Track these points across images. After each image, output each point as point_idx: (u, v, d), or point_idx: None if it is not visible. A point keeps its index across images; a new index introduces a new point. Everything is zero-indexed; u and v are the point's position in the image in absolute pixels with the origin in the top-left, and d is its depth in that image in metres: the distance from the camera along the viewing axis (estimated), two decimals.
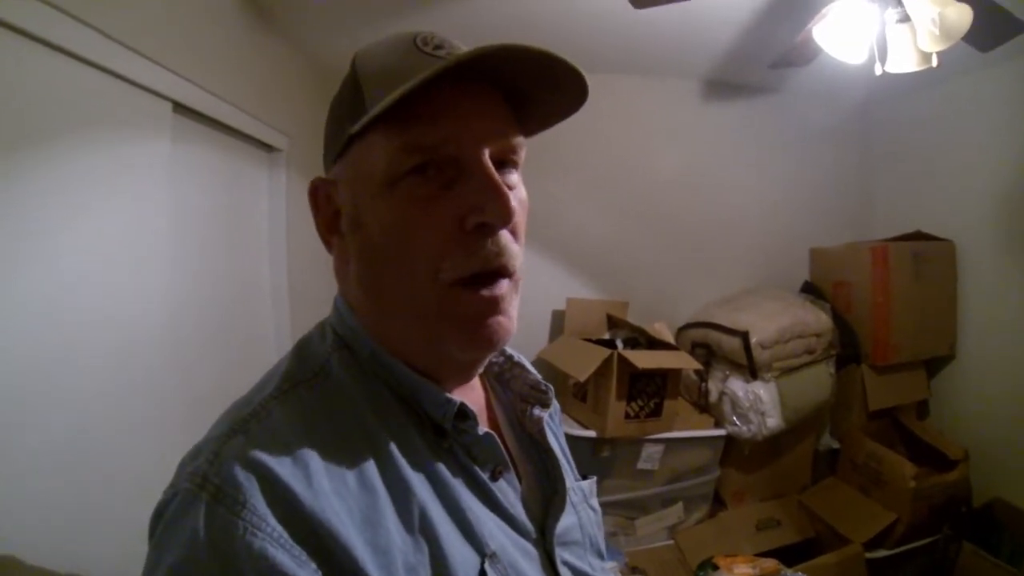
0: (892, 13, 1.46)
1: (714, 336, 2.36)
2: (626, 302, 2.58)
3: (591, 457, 2.10)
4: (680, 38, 2.25)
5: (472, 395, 0.67)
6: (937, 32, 1.34)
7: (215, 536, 0.43)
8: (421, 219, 0.53)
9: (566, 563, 0.65)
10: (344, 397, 0.55)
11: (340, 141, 0.57)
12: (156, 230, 1.32)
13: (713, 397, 2.30)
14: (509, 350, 0.75)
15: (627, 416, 2.07)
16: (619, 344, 2.21)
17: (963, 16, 1.32)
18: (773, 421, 2.21)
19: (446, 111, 0.52)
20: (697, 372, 2.34)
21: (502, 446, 0.61)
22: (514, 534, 0.60)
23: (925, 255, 2.48)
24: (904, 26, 1.47)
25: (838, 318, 2.50)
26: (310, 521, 0.45)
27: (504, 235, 0.55)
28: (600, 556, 0.75)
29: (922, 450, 2.44)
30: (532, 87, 0.56)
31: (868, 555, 2.16)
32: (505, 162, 0.57)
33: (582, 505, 0.73)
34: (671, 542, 2.26)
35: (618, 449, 2.12)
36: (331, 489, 0.48)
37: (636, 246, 2.76)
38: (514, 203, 0.54)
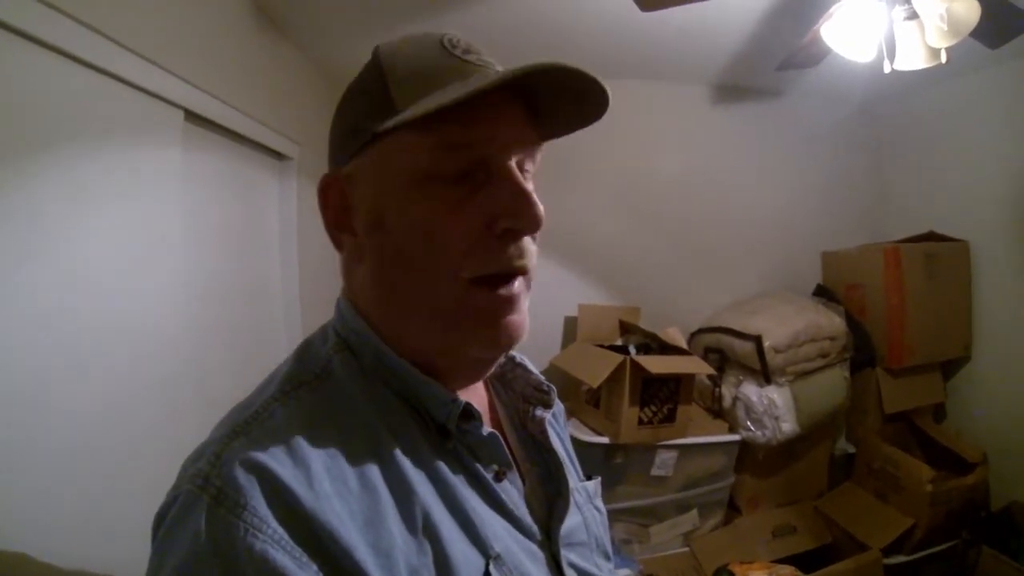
0: (899, 10, 1.46)
1: (727, 341, 2.34)
2: (638, 308, 2.58)
3: (604, 463, 2.09)
4: (687, 42, 2.26)
5: (475, 396, 0.67)
6: (945, 27, 1.34)
7: (217, 538, 0.44)
8: (450, 219, 0.54)
9: (572, 565, 0.65)
10: (346, 398, 0.55)
11: (361, 137, 0.57)
12: (168, 236, 1.33)
13: (727, 402, 2.29)
14: (512, 351, 0.75)
15: (640, 422, 2.06)
16: (632, 350, 2.21)
17: (971, 11, 1.32)
18: (788, 426, 2.19)
19: (480, 117, 0.53)
20: (710, 377, 2.33)
21: (506, 447, 0.61)
22: (519, 535, 0.60)
23: (939, 256, 2.46)
24: (912, 23, 1.46)
25: (852, 321, 2.48)
26: (311, 523, 0.46)
27: (526, 239, 0.57)
28: (607, 557, 0.75)
29: (939, 454, 2.42)
30: (555, 99, 0.57)
31: (886, 561, 2.14)
32: (524, 169, 0.58)
33: (587, 506, 0.73)
34: (686, 549, 2.23)
35: (632, 455, 2.12)
36: (332, 491, 0.48)
37: (648, 251, 2.76)
38: (543, 210, 0.56)
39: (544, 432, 0.71)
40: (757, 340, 2.18)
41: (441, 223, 0.54)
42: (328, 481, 0.48)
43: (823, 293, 2.69)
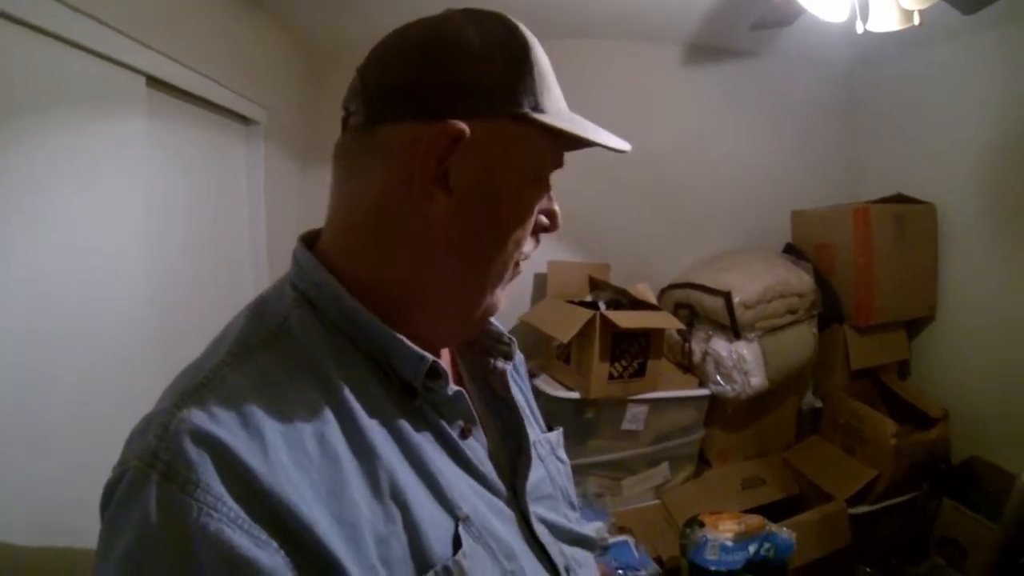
0: None
1: (696, 296, 2.37)
2: (608, 264, 2.60)
3: (575, 419, 2.12)
4: (655, 1, 2.23)
5: (440, 352, 0.66)
6: None
7: (167, 519, 0.41)
8: (531, 217, 0.61)
9: (541, 519, 0.65)
10: (304, 358, 0.53)
11: (496, 105, 0.56)
12: (134, 207, 1.31)
13: (697, 357, 2.32)
14: None
15: (611, 377, 2.09)
16: (602, 306, 2.23)
17: None
18: (757, 380, 2.23)
19: (572, 144, 0.63)
20: (680, 332, 2.36)
21: (470, 404, 0.61)
22: (487, 493, 0.60)
23: (907, 217, 2.50)
24: None
25: (820, 279, 2.53)
26: (268, 498, 0.43)
27: None
28: (573, 507, 0.75)
29: (903, 409, 2.49)
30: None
31: (851, 511, 2.22)
32: None
33: (550, 458, 0.74)
34: (658, 502, 2.29)
35: (602, 410, 2.14)
36: (291, 461, 0.46)
37: (618, 210, 2.78)
38: None
39: (506, 385, 0.72)
40: (727, 296, 2.21)
41: (529, 217, 0.61)
42: (286, 451, 0.46)
43: (792, 251, 2.73)
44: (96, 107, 1.20)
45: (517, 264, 0.63)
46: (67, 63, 1.11)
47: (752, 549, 1.82)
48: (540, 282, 2.65)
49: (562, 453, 0.79)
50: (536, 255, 2.14)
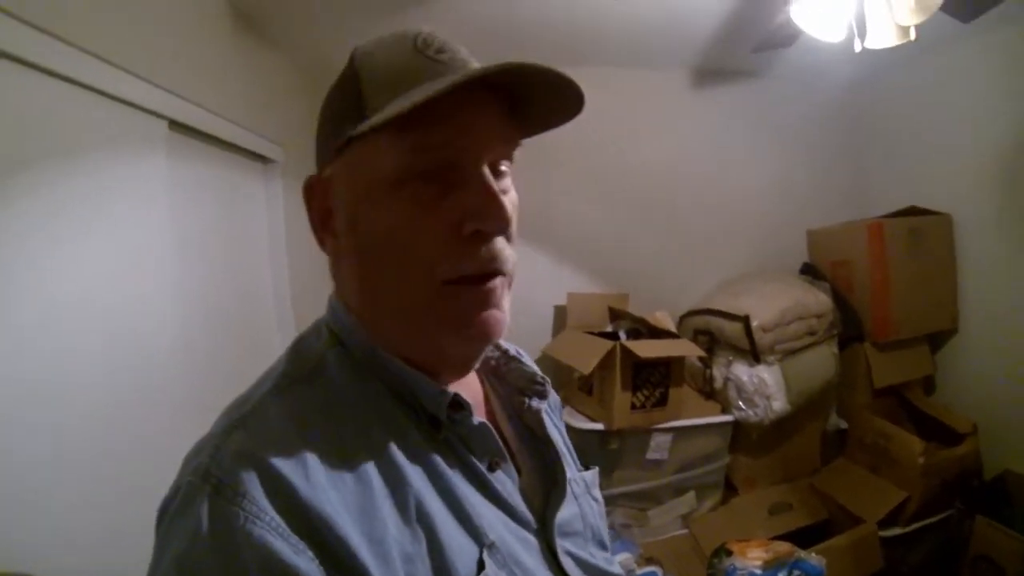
0: None
1: (716, 322, 2.41)
2: (626, 294, 2.65)
3: (599, 450, 2.15)
4: (662, 28, 2.32)
5: (468, 389, 0.68)
6: (913, 5, 1.39)
7: (216, 526, 0.46)
8: (420, 222, 0.55)
9: (568, 553, 0.66)
10: (339, 393, 0.58)
11: (337, 141, 0.59)
12: (155, 246, 1.38)
13: (718, 383, 2.35)
14: (505, 344, 0.78)
15: (633, 407, 2.12)
16: (622, 335, 2.27)
17: None
18: (779, 404, 2.25)
19: (450, 118, 0.55)
20: (701, 359, 2.39)
21: (499, 438, 0.63)
22: (513, 524, 0.62)
23: (922, 229, 2.52)
24: (881, 0, 1.50)
25: (838, 297, 2.55)
26: (307, 513, 0.48)
27: (498, 240, 0.58)
28: (603, 547, 0.76)
29: (930, 426, 2.49)
30: (530, 97, 0.59)
31: (882, 534, 2.21)
32: (499, 168, 0.60)
33: (584, 496, 0.75)
34: (685, 531, 2.30)
35: (627, 441, 2.18)
36: (327, 482, 0.50)
37: (634, 238, 2.84)
38: (510, 211, 0.58)
39: (540, 423, 0.74)
40: (745, 320, 2.25)
41: (410, 226, 0.56)
42: (323, 473, 0.50)
43: (810, 271, 2.76)
44: (121, 150, 1.28)
45: (477, 280, 0.58)
46: (95, 109, 1.19)
47: None
48: (561, 314, 2.71)
49: (597, 492, 0.80)
50: (555, 287, 2.18)
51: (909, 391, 2.62)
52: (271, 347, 2.00)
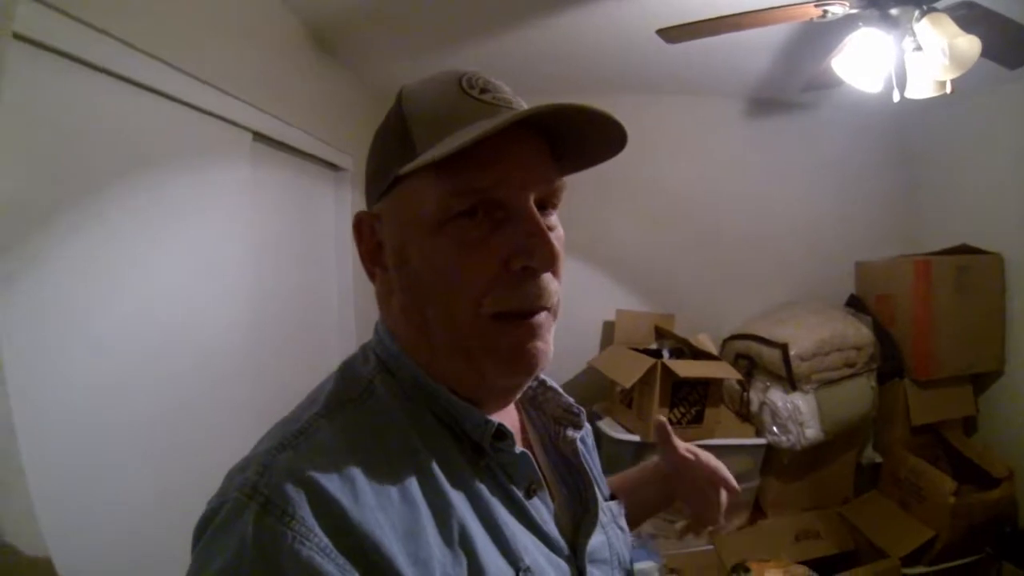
0: (909, 42, 1.58)
1: (756, 347, 2.53)
2: (672, 314, 2.81)
3: (634, 461, 2.27)
4: (716, 61, 2.45)
5: (507, 418, 0.71)
6: (947, 62, 1.45)
7: (263, 544, 0.47)
8: (468, 260, 0.58)
9: None
10: (387, 417, 0.60)
11: (386, 179, 0.62)
12: (235, 245, 1.57)
13: (754, 407, 2.47)
14: (542, 375, 0.81)
15: (669, 423, 2.24)
16: (665, 354, 2.40)
17: (972, 46, 1.44)
18: (812, 431, 2.36)
19: (495, 158, 0.58)
20: (739, 382, 2.50)
21: (536, 466, 0.66)
22: (547, 551, 0.65)
23: (971, 268, 2.57)
24: (920, 54, 1.56)
25: (880, 331, 2.63)
26: (355, 534, 0.50)
27: (545, 276, 0.61)
28: (628, 574, 0.81)
29: (967, 467, 2.52)
30: (574, 133, 0.63)
31: (905, 571, 2.27)
32: (546, 204, 0.63)
33: (611, 525, 0.79)
34: (711, 547, 2.41)
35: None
36: (375, 504, 0.52)
37: (683, 261, 3.00)
38: (558, 248, 0.62)
39: (575, 452, 0.78)
40: (783, 348, 2.36)
41: (459, 264, 0.58)
42: (371, 495, 0.52)
43: (855, 303, 2.84)
44: (211, 160, 1.49)
45: (523, 314, 0.61)
46: (190, 123, 1.40)
47: None
48: (609, 329, 2.88)
49: (623, 522, 0.84)
50: (605, 303, 2.38)
51: (948, 430, 2.65)
52: (328, 345, 2.18)
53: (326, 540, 0.49)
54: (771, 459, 2.51)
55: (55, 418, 1.04)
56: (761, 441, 2.44)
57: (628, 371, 2.28)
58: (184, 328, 1.35)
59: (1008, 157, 2.56)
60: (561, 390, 0.83)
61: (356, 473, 0.53)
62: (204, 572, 0.49)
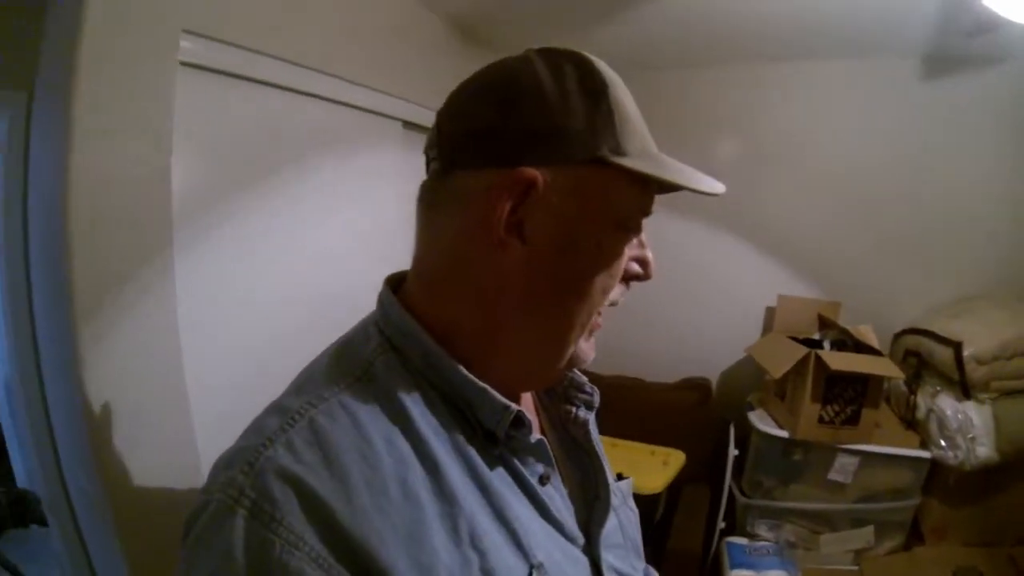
0: None
1: (926, 344, 2.68)
2: (839, 303, 3.07)
3: (781, 458, 2.56)
4: (882, 14, 2.51)
5: (524, 400, 0.84)
6: None
7: (251, 553, 0.53)
8: (623, 262, 0.73)
9: (612, 567, 0.82)
10: (389, 403, 0.66)
11: (575, 150, 0.67)
12: (386, 221, 2.19)
13: (921, 413, 2.63)
14: None
15: (821, 420, 2.53)
16: (826, 345, 2.67)
17: None
18: (984, 450, 2.45)
19: (654, 192, 0.75)
20: (905, 383, 2.67)
21: (550, 451, 0.76)
22: (562, 540, 0.75)
23: None
24: None
25: None
26: (349, 540, 0.55)
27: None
28: (640, 557, 0.94)
29: None
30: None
31: None
32: None
33: (622, 507, 0.90)
34: (855, 568, 2.64)
35: (810, 454, 2.61)
36: (372, 505, 0.58)
37: (854, 243, 3.23)
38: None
39: (587, 434, 0.90)
40: (956, 347, 2.50)
41: (618, 263, 0.73)
42: (368, 494, 0.58)
43: None
44: (363, 147, 2.15)
45: (600, 313, 0.77)
46: (342, 118, 2.08)
47: None
48: (770, 316, 3.21)
49: (632, 503, 0.96)
50: (768, 287, 2.63)
51: None
52: None
53: (318, 547, 0.54)
54: (936, 477, 2.63)
55: (216, 366, 1.62)
56: (924, 454, 2.56)
57: (780, 360, 2.59)
58: (339, 295, 1.85)
59: None
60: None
61: (351, 471, 0.58)
62: None
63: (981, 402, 2.48)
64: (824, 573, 2.56)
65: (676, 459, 2.81)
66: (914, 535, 2.69)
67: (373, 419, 0.64)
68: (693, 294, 3.53)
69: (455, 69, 2.85)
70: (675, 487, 2.87)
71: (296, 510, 0.55)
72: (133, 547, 1.42)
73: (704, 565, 2.69)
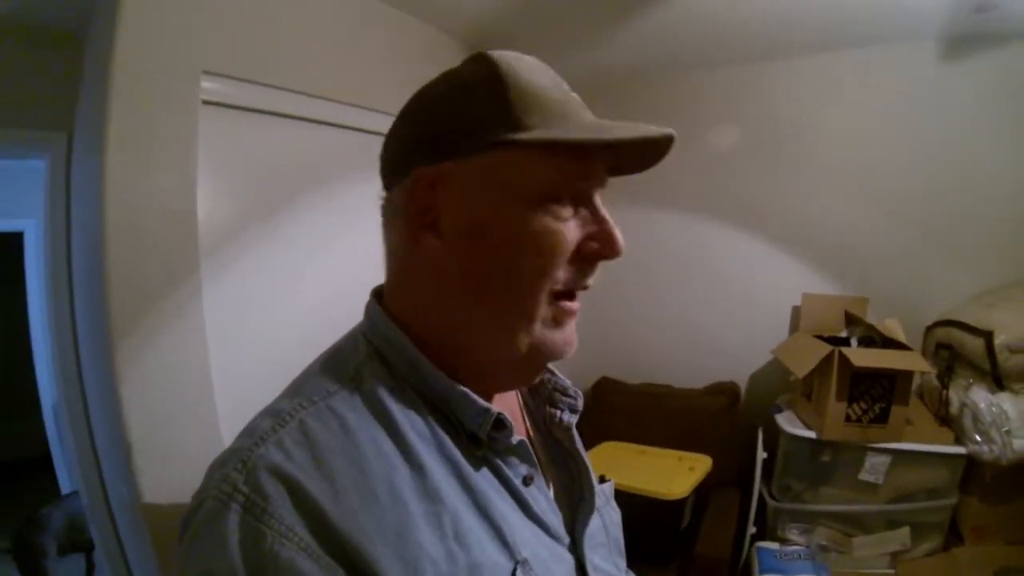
0: None
1: (958, 335, 2.74)
2: (866, 298, 3.16)
3: (810, 460, 2.67)
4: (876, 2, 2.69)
5: (507, 402, 0.90)
6: None
7: (244, 545, 0.59)
8: (558, 239, 0.75)
9: (596, 567, 0.88)
10: (375, 408, 0.72)
11: (475, 142, 0.74)
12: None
13: (954, 408, 2.68)
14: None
15: (848, 419, 2.60)
16: (853, 342, 2.74)
17: None
18: (1021, 443, 2.49)
19: (591, 155, 0.78)
20: (939, 378, 2.74)
21: (533, 453, 0.82)
22: (547, 539, 0.81)
23: None
24: None
25: None
26: (337, 534, 0.61)
27: (599, 266, 0.81)
28: (623, 556, 1.00)
29: None
30: (632, 151, 0.81)
31: None
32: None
33: (605, 508, 0.96)
34: (891, 571, 2.68)
35: (840, 455, 2.66)
36: (359, 504, 0.63)
37: (879, 237, 3.31)
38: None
39: (571, 437, 0.95)
40: (987, 336, 2.55)
41: (551, 238, 0.74)
42: (356, 494, 0.64)
43: None
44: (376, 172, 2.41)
45: (569, 296, 0.79)
46: (360, 144, 2.34)
47: None
48: (797, 315, 3.32)
49: (614, 504, 1.02)
50: (793, 286, 2.90)
51: None
52: None
53: (308, 539, 0.60)
54: (973, 474, 2.67)
55: (241, 381, 1.81)
56: (959, 450, 2.61)
57: (804, 360, 2.67)
58: (357, 311, 2.10)
59: None
60: (557, 371, 0.99)
61: (339, 472, 0.65)
62: (186, 574, 0.62)
63: (1016, 393, 2.52)
64: None
65: (703, 464, 2.91)
66: (953, 536, 2.72)
67: (360, 423, 0.70)
68: (718, 298, 3.66)
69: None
70: (704, 493, 2.98)
71: (287, 504, 0.61)
72: (165, 553, 1.62)
73: (734, 571, 2.77)
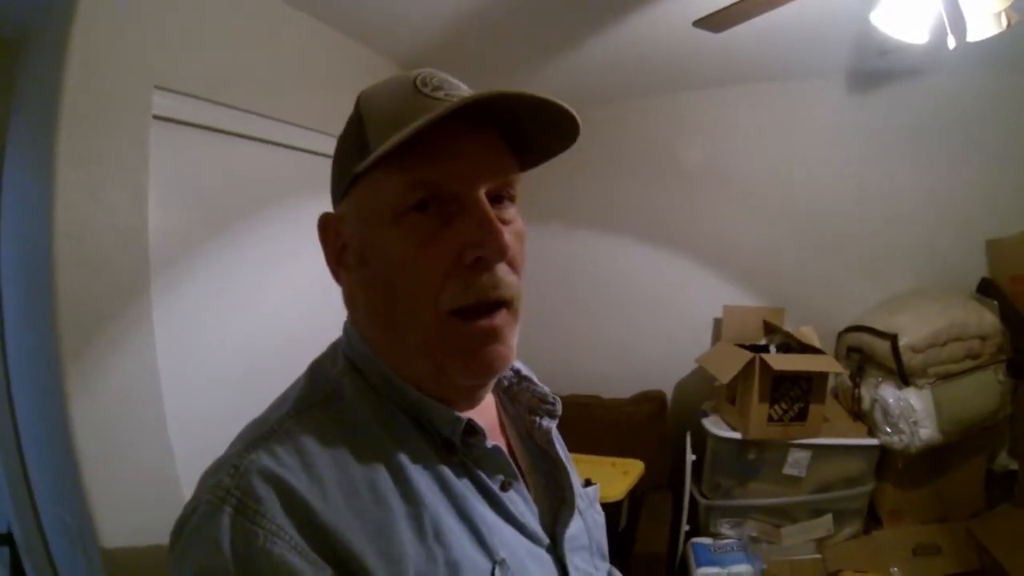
0: None
1: (866, 340, 3.08)
2: (783, 308, 3.53)
3: (737, 459, 2.95)
4: (804, 37, 2.96)
5: (484, 412, 0.93)
6: None
7: (237, 544, 0.63)
8: (423, 253, 0.76)
9: (578, 568, 0.91)
10: (356, 416, 0.78)
11: (346, 179, 0.81)
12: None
13: (866, 404, 3.03)
14: (518, 364, 1.03)
15: (770, 419, 2.90)
16: (772, 349, 3.05)
17: None
18: (927, 432, 2.83)
19: (445, 150, 0.76)
20: (852, 378, 3.06)
21: (511, 458, 0.86)
22: (526, 541, 0.84)
23: None
24: None
25: (1013, 318, 2.99)
26: (325, 533, 0.66)
27: (501, 268, 0.79)
28: (604, 559, 1.04)
29: None
30: (529, 125, 0.80)
31: None
32: (502, 197, 0.82)
33: (588, 511, 1.00)
34: (818, 556, 2.99)
35: (765, 453, 2.96)
36: (345, 505, 0.68)
37: (792, 251, 3.74)
38: (509, 238, 0.77)
39: (551, 442, 1.00)
40: (893, 339, 2.88)
41: (413, 257, 0.76)
42: (341, 495, 0.69)
43: (987, 287, 3.20)
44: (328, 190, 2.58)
45: (478, 312, 0.78)
46: (309, 164, 2.49)
47: None
48: (718, 326, 3.67)
49: (598, 507, 1.07)
50: (714, 299, 3.45)
51: None
52: None
53: (297, 538, 0.64)
54: (887, 462, 3.02)
55: (193, 399, 1.96)
56: (873, 442, 2.96)
57: (727, 367, 2.96)
58: (309, 329, 2.03)
59: None
60: (537, 380, 1.05)
61: (325, 474, 0.70)
62: (181, 574, 0.66)
63: (920, 388, 2.84)
64: (788, 564, 2.91)
65: (636, 468, 3.17)
66: (872, 519, 3.06)
67: (343, 430, 0.75)
68: (643, 312, 4.00)
69: None
70: (638, 496, 3.25)
71: (278, 506, 0.65)
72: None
73: (672, 567, 3.04)
